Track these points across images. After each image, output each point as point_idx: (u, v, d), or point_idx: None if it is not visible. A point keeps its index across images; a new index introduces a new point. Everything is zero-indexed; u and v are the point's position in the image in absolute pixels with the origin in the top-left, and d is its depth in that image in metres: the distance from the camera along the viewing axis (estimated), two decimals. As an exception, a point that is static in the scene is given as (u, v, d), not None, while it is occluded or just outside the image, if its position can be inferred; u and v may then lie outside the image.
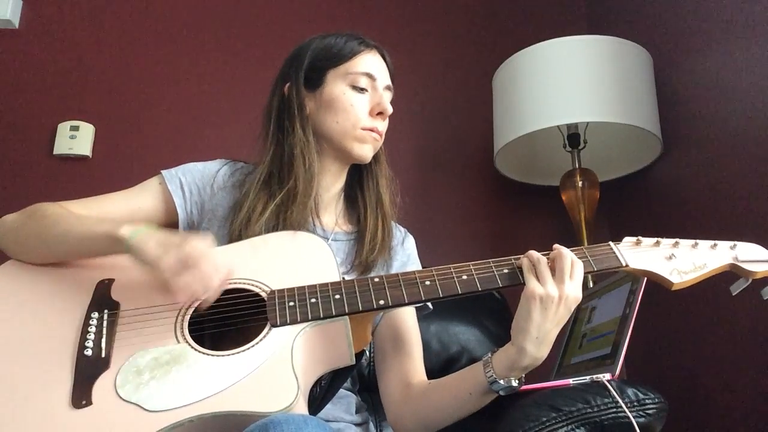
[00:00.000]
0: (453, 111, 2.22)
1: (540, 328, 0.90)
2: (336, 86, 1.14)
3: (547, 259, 0.94)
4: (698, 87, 1.72)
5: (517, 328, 0.92)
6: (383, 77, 1.17)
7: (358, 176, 1.23)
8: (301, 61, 1.17)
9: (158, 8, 2.21)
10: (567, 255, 0.93)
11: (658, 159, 1.86)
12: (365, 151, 1.14)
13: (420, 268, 1.24)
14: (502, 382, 0.94)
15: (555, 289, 0.90)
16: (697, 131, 1.72)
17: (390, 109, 1.15)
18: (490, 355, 0.97)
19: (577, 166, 1.89)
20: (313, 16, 2.25)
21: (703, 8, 1.71)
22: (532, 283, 0.91)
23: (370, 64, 1.15)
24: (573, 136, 1.90)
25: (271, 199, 1.10)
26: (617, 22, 2.16)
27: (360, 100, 1.13)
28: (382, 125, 1.16)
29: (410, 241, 1.27)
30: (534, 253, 0.95)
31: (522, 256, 0.97)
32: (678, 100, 1.81)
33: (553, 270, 0.93)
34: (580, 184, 1.87)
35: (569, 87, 1.76)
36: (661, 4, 1.92)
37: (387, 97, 1.17)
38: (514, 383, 0.94)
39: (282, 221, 1.08)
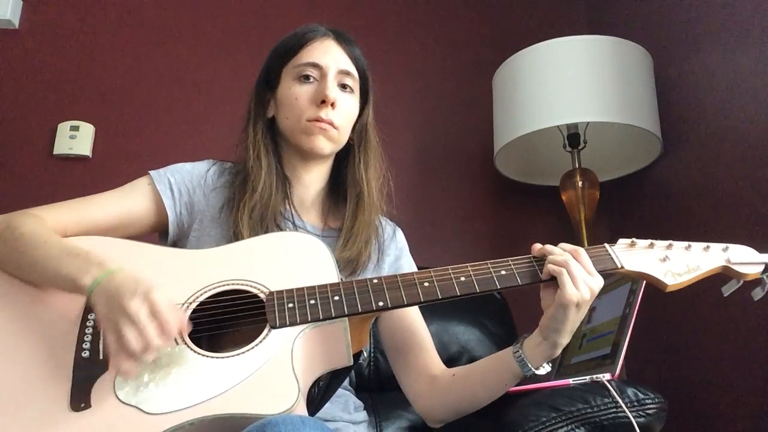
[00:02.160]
0: (453, 111, 2.21)
1: (574, 324, 0.94)
2: (285, 83, 1.14)
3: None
4: (698, 87, 1.72)
5: (552, 328, 0.94)
6: (334, 63, 1.13)
7: (344, 169, 1.21)
8: (265, 64, 1.19)
9: (158, 8, 2.21)
10: (583, 253, 0.94)
11: (658, 159, 1.86)
12: (315, 143, 1.11)
13: (411, 260, 1.25)
14: (539, 372, 0.97)
15: (587, 289, 0.92)
16: (697, 131, 1.72)
17: (332, 95, 1.09)
18: (520, 351, 0.97)
19: (577, 166, 1.89)
20: (313, 17, 2.23)
21: (703, 8, 1.71)
22: (568, 289, 0.91)
23: (316, 52, 1.13)
24: (573, 136, 1.90)
25: (243, 198, 1.10)
26: (617, 22, 2.16)
27: (304, 91, 1.11)
28: (330, 113, 1.10)
29: (400, 234, 1.27)
30: (559, 257, 0.94)
31: (538, 256, 0.97)
32: (678, 100, 1.81)
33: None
34: (580, 184, 1.87)
35: (569, 87, 1.76)
36: (661, 4, 1.92)
37: (341, 81, 1.13)
38: (549, 367, 0.99)
39: (255, 219, 1.08)
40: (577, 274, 0.92)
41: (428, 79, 2.23)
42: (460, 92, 2.23)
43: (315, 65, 1.12)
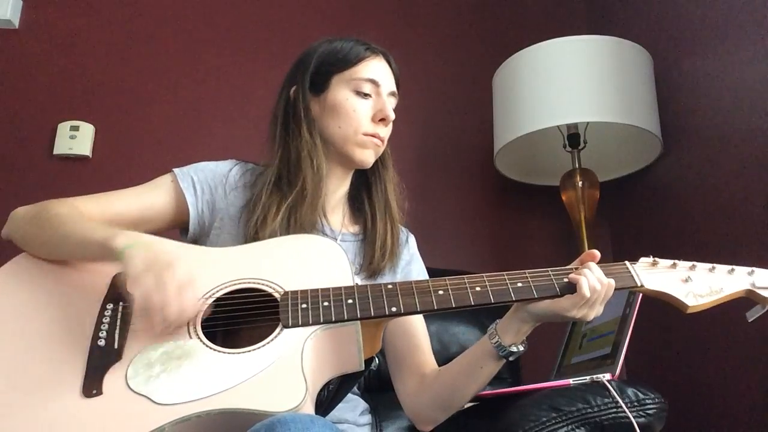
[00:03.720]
0: (453, 111, 2.22)
1: (546, 320, 0.99)
2: (340, 91, 1.15)
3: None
4: (698, 87, 1.72)
5: (539, 315, 0.98)
6: (387, 83, 1.18)
7: (365, 180, 1.24)
8: (308, 65, 1.18)
9: (159, 8, 2.21)
10: (608, 289, 0.97)
11: (658, 159, 1.86)
12: (366, 157, 1.15)
13: (422, 264, 1.26)
14: (512, 349, 1.01)
15: (592, 314, 0.97)
16: (697, 131, 1.72)
17: (392, 116, 1.16)
18: (495, 332, 1.01)
19: (577, 166, 1.89)
20: (314, 15, 2.25)
21: (703, 8, 1.72)
22: (583, 311, 0.96)
23: (375, 70, 1.16)
24: (573, 136, 1.90)
25: (283, 200, 1.11)
26: (617, 22, 2.16)
27: (363, 105, 1.14)
28: (384, 131, 1.16)
29: (412, 240, 1.29)
30: (602, 288, 0.96)
31: (557, 270, 0.98)
32: (678, 100, 1.81)
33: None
34: (580, 184, 1.87)
35: (569, 87, 1.76)
36: (661, 4, 1.93)
37: (391, 103, 1.18)
38: (522, 347, 1.02)
39: (294, 222, 1.09)
40: (598, 298, 0.95)
41: (428, 79, 2.23)
42: (460, 92, 2.23)
43: (374, 82, 1.15)
